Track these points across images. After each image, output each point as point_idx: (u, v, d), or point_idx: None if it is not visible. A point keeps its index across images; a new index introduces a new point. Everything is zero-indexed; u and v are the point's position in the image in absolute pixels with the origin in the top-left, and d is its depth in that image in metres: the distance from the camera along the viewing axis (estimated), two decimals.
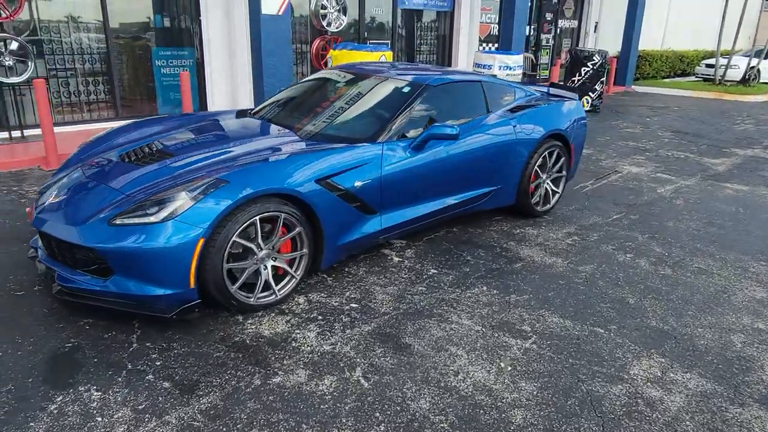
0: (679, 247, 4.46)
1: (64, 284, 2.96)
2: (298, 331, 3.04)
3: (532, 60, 14.77)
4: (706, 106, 13.20)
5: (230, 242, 2.93)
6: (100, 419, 2.34)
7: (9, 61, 6.43)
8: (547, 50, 15.51)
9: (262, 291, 3.19)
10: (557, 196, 5.08)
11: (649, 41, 18.01)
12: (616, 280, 3.83)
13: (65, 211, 3.10)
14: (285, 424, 2.36)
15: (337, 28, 9.73)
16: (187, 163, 3.31)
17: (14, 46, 6.42)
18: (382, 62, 6.59)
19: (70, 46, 7.61)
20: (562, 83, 11.16)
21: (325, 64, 9.06)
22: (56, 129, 6.24)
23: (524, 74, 12.98)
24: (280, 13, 7.99)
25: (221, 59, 8.76)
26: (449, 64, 12.94)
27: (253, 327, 3.07)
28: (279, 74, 8.18)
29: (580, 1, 16.40)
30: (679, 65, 19.43)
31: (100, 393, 2.50)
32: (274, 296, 3.25)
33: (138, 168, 3.35)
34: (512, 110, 4.69)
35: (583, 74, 11.16)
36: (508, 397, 2.59)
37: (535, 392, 2.63)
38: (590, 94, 11.17)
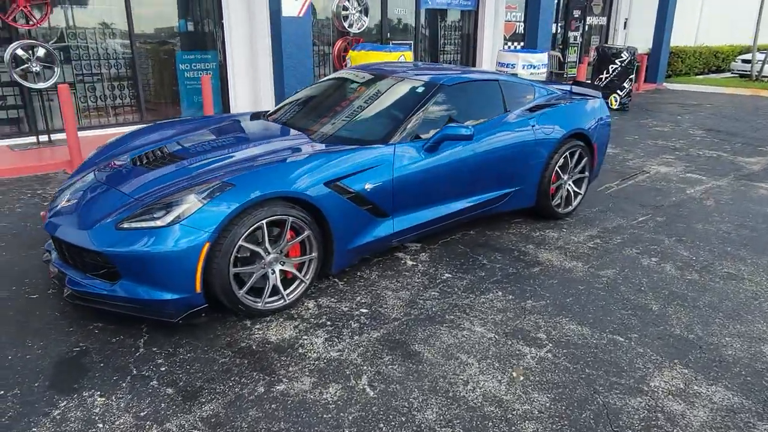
0: (707, 250, 4.26)
1: (74, 288, 2.98)
2: (305, 337, 2.98)
3: (559, 58, 14.48)
4: (741, 103, 12.72)
5: (237, 246, 2.90)
6: (101, 425, 2.32)
7: (36, 68, 6.57)
8: (575, 48, 15.19)
9: (270, 295, 3.15)
10: (579, 197, 4.92)
11: (681, 37, 17.48)
12: (639, 285, 3.67)
13: (75, 215, 3.12)
14: None
15: (359, 29, 9.69)
16: (197, 167, 3.30)
17: (41, 52, 6.56)
18: (401, 62, 6.50)
19: (96, 51, 7.77)
20: (588, 81, 10.91)
21: (345, 65, 9.03)
22: (82, 133, 6.36)
23: (551, 73, 12.73)
24: (300, 15, 8.00)
25: (243, 62, 8.83)
26: (473, 64, 12.77)
27: (260, 332, 3.03)
28: (300, 75, 8.18)
29: None
30: (714, 61, 18.83)
31: (103, 399, 2.48)
32: (282, 301, 3.20)
33: (148, 171, 3.36)
34: (531, 109, 4.56)
35: (610, 72, 10.87)
36: (519, 409, 2.48)
37: (548, 404, 2.52)
38: (618, 91, 10.88)
